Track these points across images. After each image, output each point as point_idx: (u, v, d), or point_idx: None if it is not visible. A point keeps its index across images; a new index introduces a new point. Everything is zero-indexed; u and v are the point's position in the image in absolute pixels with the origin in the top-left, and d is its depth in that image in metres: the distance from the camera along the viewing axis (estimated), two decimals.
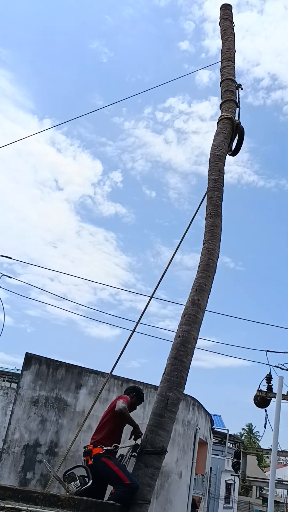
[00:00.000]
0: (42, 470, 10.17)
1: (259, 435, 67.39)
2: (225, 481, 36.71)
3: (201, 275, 5.61)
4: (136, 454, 4.80)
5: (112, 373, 7.18)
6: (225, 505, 36.59)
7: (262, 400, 11.35)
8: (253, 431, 68.44)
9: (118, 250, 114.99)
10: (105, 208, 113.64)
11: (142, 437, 4.92)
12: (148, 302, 6.88)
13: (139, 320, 7.01)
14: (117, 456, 5.22)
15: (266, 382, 11.25)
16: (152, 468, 4.48)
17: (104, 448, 5.05)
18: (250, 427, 69.42)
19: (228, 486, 37.56)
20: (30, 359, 10.78)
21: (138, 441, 4.97)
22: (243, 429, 70.77)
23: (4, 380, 31.48)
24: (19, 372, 14.79)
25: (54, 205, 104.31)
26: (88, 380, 11.19)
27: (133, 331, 7.14)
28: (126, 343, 7.24)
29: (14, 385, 26.42)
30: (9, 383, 29.59)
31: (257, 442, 68.51)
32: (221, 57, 7.46)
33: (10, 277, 8.98)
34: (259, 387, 11.17)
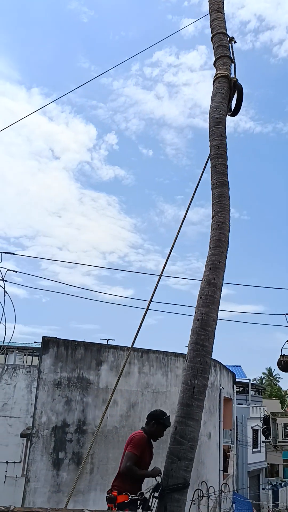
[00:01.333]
0: (73, 449, 10.27)
1: (280, 377, 68.77)
2: (251, 427, 37.60)
3: (214, 252, 5.31)
4: (158, 495, 4.37)
5: (129, 346, 7.09)
6: (253, 450, 37.65)
7: (286, 364, 11.29)
8: (273, 374, 69.70)
9: (122, 212, 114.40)
10: (104, 172, 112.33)
11: (171, 430, 4.76)
12: (162, 273, 6.66)
13: (153, 293, 6.82)
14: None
15: None
16: (176, 502, 4.30)
17: (130, 497, 4.64)
18: (270, 371, 70.66)
19: (255, 432, 38.50)
20: (47, 342, 10.71)
21: (159, 479, 4.55)
22: (263, 373, 72.16)
23: (25, 355, 31.87)
24: (39, 345, 14.85)
25: (52, 174, 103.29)
26: (108, 355, 11.14)
27: (150, 303, 6.97)
28: (143, 319, 7.08)
29: (35, 361, 26.75)
30: (30, 359, 29.98)
31: (278, 384, 69.98)
32: (209, 9, 6.87)
33: (16, 271, 8.72)
34: (281, 352, 11.08)
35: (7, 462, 16.85)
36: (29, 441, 10.41)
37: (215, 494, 13.40)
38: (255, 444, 38.32)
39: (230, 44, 6.69)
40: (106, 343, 13.61)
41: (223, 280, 5.25)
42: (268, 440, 23.65)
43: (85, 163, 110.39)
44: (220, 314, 5.32)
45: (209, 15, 6.91)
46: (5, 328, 9.79)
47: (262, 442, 33.30)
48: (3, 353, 21.29)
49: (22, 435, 12.61)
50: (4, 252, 8.28)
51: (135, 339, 6.95)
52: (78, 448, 10.27)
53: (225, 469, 17.24)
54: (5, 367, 19.36)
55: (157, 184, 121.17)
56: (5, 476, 16.75)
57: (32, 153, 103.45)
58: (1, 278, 8.15)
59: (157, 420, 5.25)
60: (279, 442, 22.04)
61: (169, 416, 5.31)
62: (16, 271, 8.84)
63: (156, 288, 6.59)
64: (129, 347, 11.11)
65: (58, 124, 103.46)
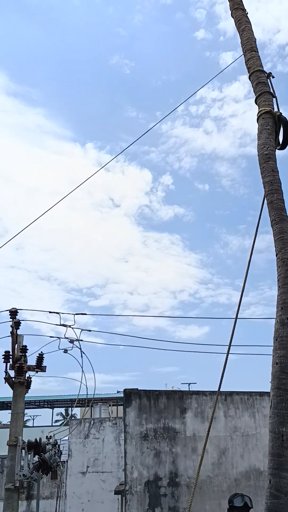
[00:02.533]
0: (169, 503, 10.02)
1: None
2: None
3: (283, 290, 5.18)
4: None
5: (214, 390, 6.90)
6: None
7: None
8: None
9: (186, 249, 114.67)
10: (163, 213, 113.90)
11: (266, 483, 4.55)
12: (240, 303, 6.56)
13: (232, 335, 6.71)
14: None
15: None
16: None
17: None
18: None
19: None
20: (129, 395, 10.71)
21: None
22: None
23: (110, 405, 31.99)
24: (121, 395, 14.88)
25: (115, 222, 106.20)
26: (191, 402, 10.93)
27: (229, 346, 6.85)
28: (225, 363, 6.95)
29: (120, 411, 26.75)
30: (115, 408, 30.04)
31: None
32: (243, 50, 6.99)
33: (90, 331, 8.94)
34: None
35: None
36: (123, 498, 10.29)
37: None
38: None
39: (268, 80, 6.73)
40: (188, 388, 13.41)
41: None
42: None
43: (145, 207, 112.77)
44: None
45: (243, 55, 7.02)
46: (86, 384, 9.94)
47: None
48: (87, 406, 21.50)
49: (116, 492, 12.50)
50: (76, 314, 8.51)
51: (220, 384, 6.81)
52: (173, 502, 10.00)
53: None
54: (92, 421, 19.50)
55: (217, 216, 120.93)
56: None
57: (93, 204, 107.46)
58: (76, 339, 8.36)
59: (229, 506, 5.20)
60: None
61: (240, 495, 5.26)
62: (90, 330, 9.03)
63: (233, 331, 6.50)
64: (212, 391, 10.87)
65: (115, 174, 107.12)
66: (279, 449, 4.44)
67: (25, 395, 9.03)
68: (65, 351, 8.35)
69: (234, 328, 6.58)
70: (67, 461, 18.98)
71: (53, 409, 42.75)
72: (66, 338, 8.34)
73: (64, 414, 53.48)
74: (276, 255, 5.51)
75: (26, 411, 47.62)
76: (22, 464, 7.51)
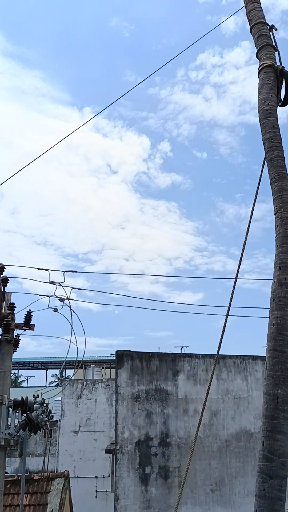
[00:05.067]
0: (159, 463, 10.15)
1: None
2: None
3: (282, 250, 4.98)
4: None
5: (206, 353, 6.91)
6: None
7: None
8: None
9: (183, 217, 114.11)
10: (161, 180, 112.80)
11: (259, 445, 4.48)
12: (236, 275, 6.46)
13: (231, 300, 6.60)
14: None
15: None
16: (277, 479, 4.05)
17: None
18: None
19: None
20: (121, 356, 10.69)
21: None
22: None
23: (103, 368, 32.37)
24: (114, 358, 14.97)
25: (112, 188, 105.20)
26: (184, 365, 10.95)
27: (228, 311, 6.74)
28: (224, 329, 6.84)
29: (113, 374, 27.04)
30: (109, 371, 30.40)
31: None
32: (244, 1, 6.58)
33: (80, 289, 8.76)
34: None
35: (96, 477, 17.07)
36: (115, 457, 10.41)
37: None
38: None
39: (271, 33, 6.35)
40: (180, 351, 13.43)
41: None
42: None
43: (142, 174, 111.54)
44: None
45: (244, 7, 6.61)
46: (76, 345, 9.85)
47: None
48: (81, 368, 21.67)
49: (107, 451, 12.67)
50: (67, 271, 8.32)
51: (219, 349, 6.72)
52: (164, 462, 10.14)
53: None
54: (85, 382, 19.68)
55: (215, 185, 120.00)
56: (96, 491, 16.96)
57: (91, 170, 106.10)
58: (67, 298, 8.19)
59: None
60: None
61: None
62: (81, 289, 8.86)
63: (232, 294, 6.36)
64: (205, 354, 10.86)
65: (112, 139, 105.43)
66: (274, 411, 4.34)
67: (20, 357, 8.93)
68: (55, 310, 8.17)
69: (233, 290, 6.45)
70: (59, 420, 19.25)
71: (47, 371, 43.26)
72: (56, 296, 8.16)
73: (58, 376, 54.26)
74: (275, 213, 5.30)
75: (21, 372, 48.26)
76: (9, 423, 7.47)
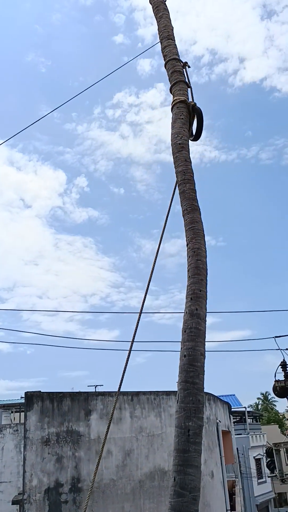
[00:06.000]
0: (70, 511, 9.55)
1: (275, 401, 67.83)
2: (254, 457, 36.59)
3: (193, 281, 4.99)
4: None
5: (120, 390, 6.63)
6: (259, 481, 36.47)
7: (282, 390, 10.83)
8: (269, 398, 68.82)
9: (99, 253, 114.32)
10: (77, 215, 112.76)
11: (170, 481, 4.30)
12: (142, 307, 6.36)
13: (135, 332, 6.48)
14: None
15: (282, 370, 10.71)
16: None
17: None
18: (265, 396, 69.82)
19: (258, 461, 37.44)
20: (31, 398, 10.11)
21: None
22: (258, 398, 71.31)
23: (12, 412, 30.64)
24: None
25: (26, 223, 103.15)
26: (97, 403, 10.56)
27: (132, 343, 6.61)
28: (127, 361, 6.68)
29: (23, 418, 25.62)
30: (18, 415, 28.78)
31: (274, 408, 68.99)
32: (159, 37, 6.80)
33: None
34: (275, 377, 10.66)
35: None
36: (21, 508, 9.65)
37: None
38: (260, 474, 37.13)
39: (184, 70, 6.60)
40: (94, 390, 13.02)
41: (206, 309, 4.93)
42: (274, 474, 22.45)
43: (58, 208, 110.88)
44: (208, 345, 5.01)
45: (160, 43, 6.84)
46: None
47: (268, 477, 32.02)
48: None
49: (13, 502, 11.76)
50: None
51: (121, 383, 6.51)
52: (74, 509, 9.55)
53: (233, 507, 16.42)
54: None
55: (131, 220, 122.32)
56: None
57: (3, 204, 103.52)
58: None
59: None
60: (286, 474, 20.92)
61: None
62: None
63: (137, 327, 6.25)
64: (119, 392, 10.57)
65: (27, 173, 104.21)
66: (185, 444, 4.21)
67: None
68: None
69: (137, 324, 6.33)
70: None
71: None
72: None
73: None
74: (187, 244, 5.34)
75: None
76: None
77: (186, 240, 5.39)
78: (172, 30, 6.82)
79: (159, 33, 6.86)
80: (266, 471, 37.54)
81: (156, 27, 6.98)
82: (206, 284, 5.04)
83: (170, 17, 7.14)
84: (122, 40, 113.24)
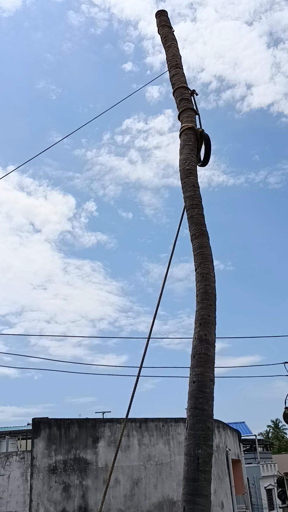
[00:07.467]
0: None
1: (286, 428, 66.50)
2: (265, 488, 35.64)
3: (202, 306, 4.98)
4: None
5: (128, 417, 6.56)
6: None
7: None
8: (279, 426, 67.50)
9: (108, 277, 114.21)
10: (86, 240, 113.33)
11: (180, 511, 4.20)
12: (150, 332, 6.32)
13: (143, 358, 6.43)
14: None
15: None
16: None
17: None
18: (275, 423, 68.49)
19: (269, 492, 36.45)
20: (38, 424, 9.99)
21: None
22: (268, 426, 69.98)
23: (18, 439, 30.26)
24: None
25: (35, 247, 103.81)
26: (105, 430, 10.41)
27: (140, 369, 6.55)
28: (135, 387, 6.62)
29: (30, 445, 25.30)
30: (25, 442, 28.39)
31: (285, 436, 67.60)
32: (168, 66, 6.96)
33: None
34: (285, 403, 10.51)
35: None
36: None
37: None
38: (271, 505, 36.14)
39: (192, 97, 6.72)
40: (101, 417, 12.86)
41: (215, 335, 4.89)
42: (286, 505, 21.90)
43: (67, 233, 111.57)
44: (217, 371, 4.96)
45: (168, 71, 6.99)
46: None
47: (279, 507, 31.18)
48: None
49: None
50: None
51: (129, 409, 6.44)
52: None
53: None
54: None
55: (140, 244, 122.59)
56: None
57: (12, 229, 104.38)
58: None
59: None
60: None
61: None
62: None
63: (145, 353, 6.22)
64: (128, 418, 10.44)
65: (37, 198, 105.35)
66: (195, 473, 4.13)
67: None
68: None
69: (146, 349, 6.31)
70: None
71: None
72: None
73: None
74: (196, 269, 5.34)
75: None
76: None
77: (195, 265, 5.40)
78: (180, 58, 6.97)
79: (167, 62, 7.01)
80: (277, 502, 36.53)
81: (165, 55, 7.14)
82: (215, 309, 5.01)
83: (178, 45, 7.33)
84: (131, 68, 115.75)
